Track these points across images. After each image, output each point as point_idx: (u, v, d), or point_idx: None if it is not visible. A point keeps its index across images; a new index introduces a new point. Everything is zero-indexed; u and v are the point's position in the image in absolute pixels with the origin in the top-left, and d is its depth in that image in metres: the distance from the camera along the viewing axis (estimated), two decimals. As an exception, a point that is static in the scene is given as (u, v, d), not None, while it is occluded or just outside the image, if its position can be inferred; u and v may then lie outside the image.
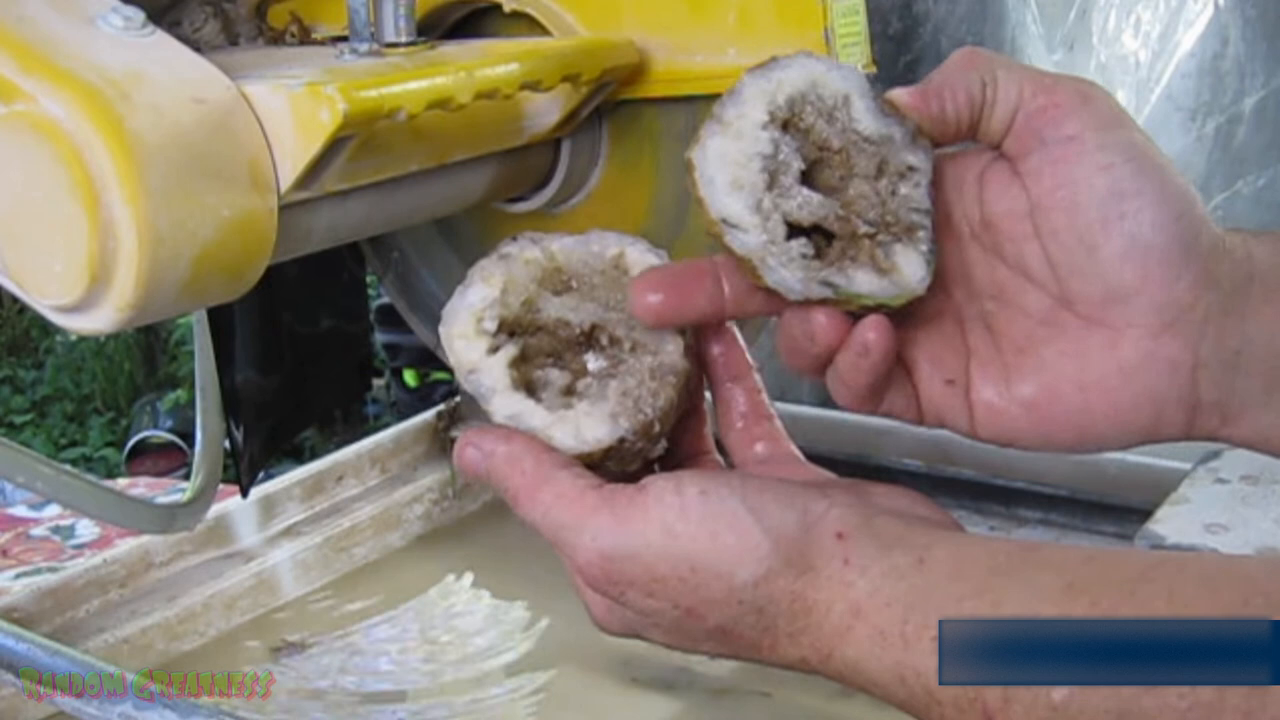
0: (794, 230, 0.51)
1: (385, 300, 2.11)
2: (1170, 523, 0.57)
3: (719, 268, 0.52)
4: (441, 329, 0.52)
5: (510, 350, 0.51)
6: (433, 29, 0.73)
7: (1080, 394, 0.51)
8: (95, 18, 0.57)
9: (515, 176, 0.75)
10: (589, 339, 0.52)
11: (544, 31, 0.72)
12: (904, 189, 0.52)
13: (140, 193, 0.52)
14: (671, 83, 0.70)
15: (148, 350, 3.37)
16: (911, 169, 0.52)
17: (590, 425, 0.50)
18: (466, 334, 0.52)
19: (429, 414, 1.08)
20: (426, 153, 0.66)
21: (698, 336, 0.54)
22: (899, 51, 1.01)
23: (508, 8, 0.72)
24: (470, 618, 0.97)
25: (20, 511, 1.36)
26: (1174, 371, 0.50)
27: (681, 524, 0.48)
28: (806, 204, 0.51)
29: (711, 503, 0.48)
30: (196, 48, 0.58)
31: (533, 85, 0.64)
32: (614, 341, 0.52)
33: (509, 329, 0.52)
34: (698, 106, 0.71)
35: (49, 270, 0.55)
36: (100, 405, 3.31)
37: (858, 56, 0.67)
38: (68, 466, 0.85)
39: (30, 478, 0.77)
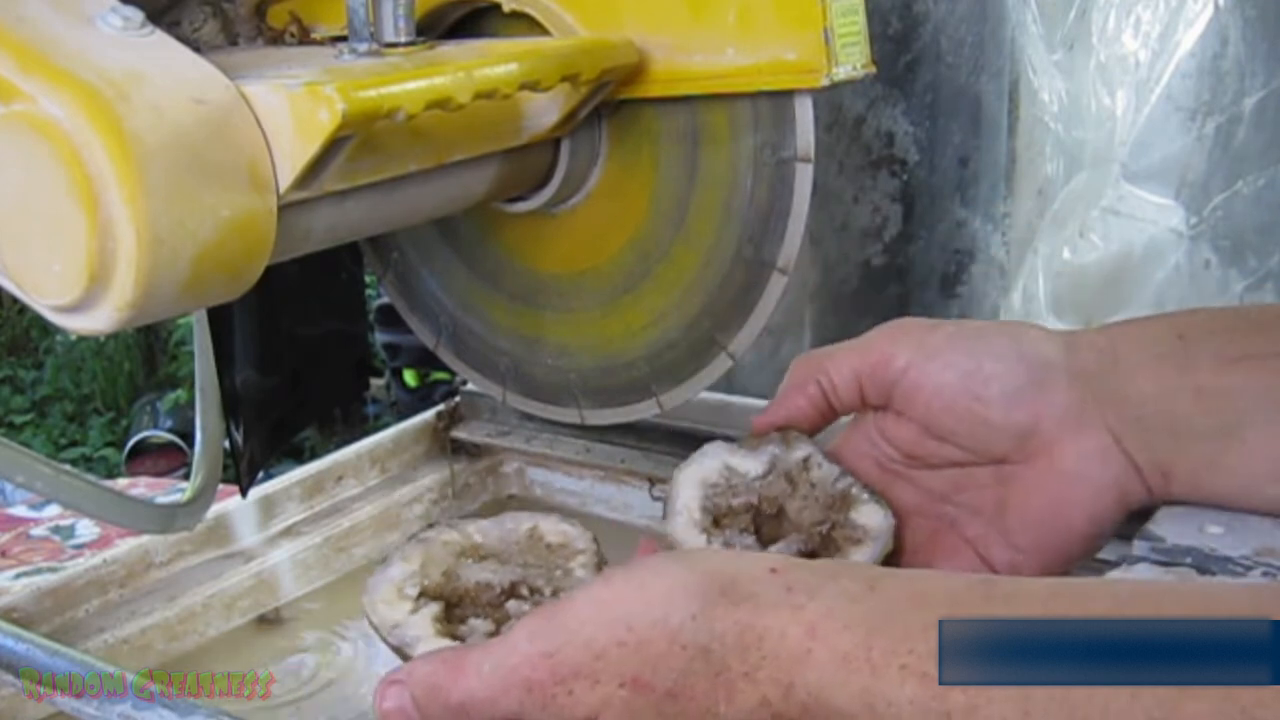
0: None
1: (385, 300, 2.11)
2: (1169, 523, 0.57)
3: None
4: (364, 599, 0.54)
5: (433, 608, 0.52)
6: (432, 29, 0.73)
7: (1058, 513, 0.58)
8: (94, 18, 0.57)
9: (515, 176, 0.75)
10: (510, 594, 0.54)
11: (543, 31, 0.72)
12: (815, 476, 0.62)
13: (139, 193, 0.52)
14: (671, 83, 0.70)
15: (148, 350, 3.38)
16: (806, 459, 0.62)
17: None
18: (389, 599, 0.53)
19: (429, 414, 1.08)
20: (426, 153, 0.66)
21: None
22: (899, 51, 1.01)
23: (507, 8, 0.72)
24: (470, 618, 0.97)
25: (20, 511, 1.36)
26: (1106, 454, 0.58)
27: (607, 590, 0.46)
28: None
29: (632, 566, 0.48)
30: (196, 48, 0.58)
31: (532, 85, 0.64)
32: (535, 591, 0.54)
33: (431, 597, 0.53)
34: (697, 106, 0.71)
35: (48, 270, 0.55)
36: (100, 405, 3.32)
37: (857, 56, 0.67)
38: (68, 466, 0.85)
39: (30, 478, 0.77)
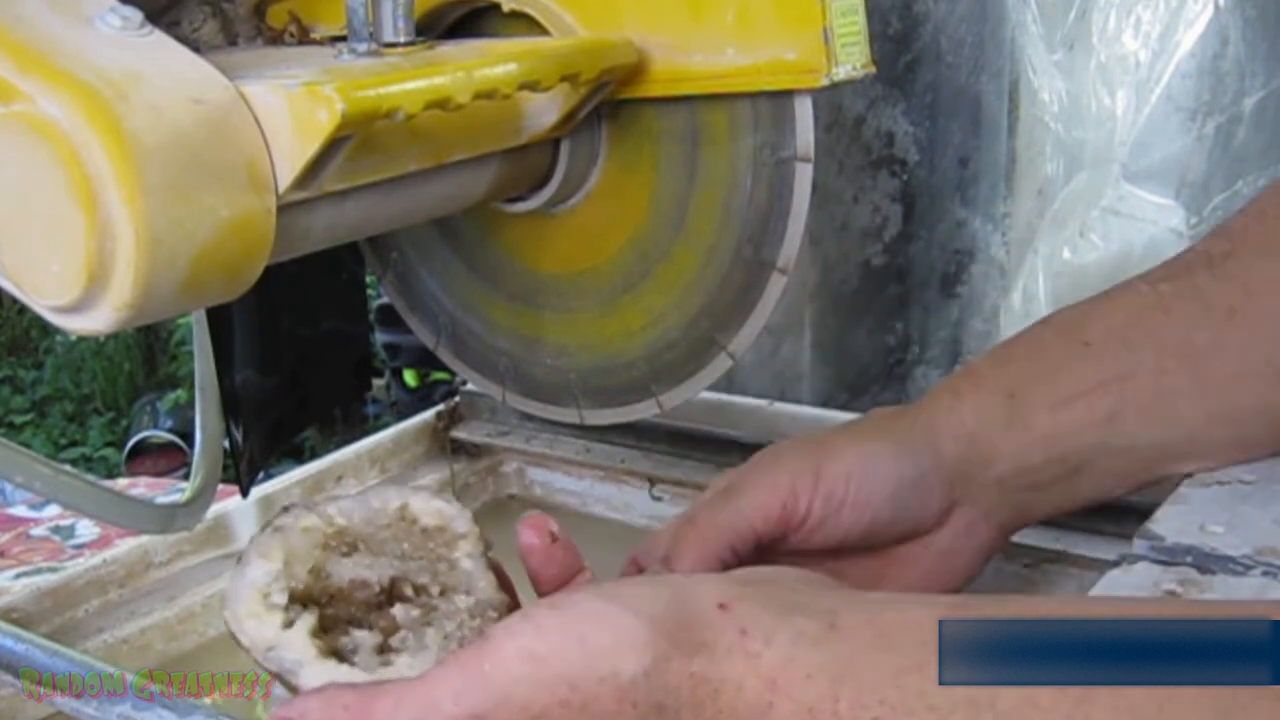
0: None
1: (385, 300, 2.11)
2: (1168, 523, 0.57)
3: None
4: (226, 613, 0.49)
5: (308, 619, 0.47)
6: (431, 29, 0.73)
7: (933, 584, 0.62)
8: (93, 18, 0.57)
9: (514, 176, 0.75)
10: (390, 595, 0.49)
11: (543, 31, 0.71)
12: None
13: (138, 193, 0.52)
14: (670, 82, 0.69)
15: (148, 350, 3.38)
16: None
17: None
18: (256, 612, 0.48)
19: (429, 414, 1.08)
20: (425, 153, 0.66)
21: (518, 536, 0.52)
22: (899, 51, 1.01)
23: (506, 7, 0.72)
24: (470, 618, 0.97)
25: (20, 511, 1.36)
26: (972, 528, 0.63)
27: (542, 644, 0.42)
28: None
29: (566, 610, 0.43)
30: (195, 48, 0.58)
31: (531, 85, 0.64)
32: (420, 590, 0.49)
33: (300, 601, 0.48)
34: (696, 106, 0.71)
35: (46, 270, 0.55)
36: (100, 405, 3.32)
37: (857, 56, 0.66)
38: (67, 466, 0.85)
39: (29, 478, 0.77)
